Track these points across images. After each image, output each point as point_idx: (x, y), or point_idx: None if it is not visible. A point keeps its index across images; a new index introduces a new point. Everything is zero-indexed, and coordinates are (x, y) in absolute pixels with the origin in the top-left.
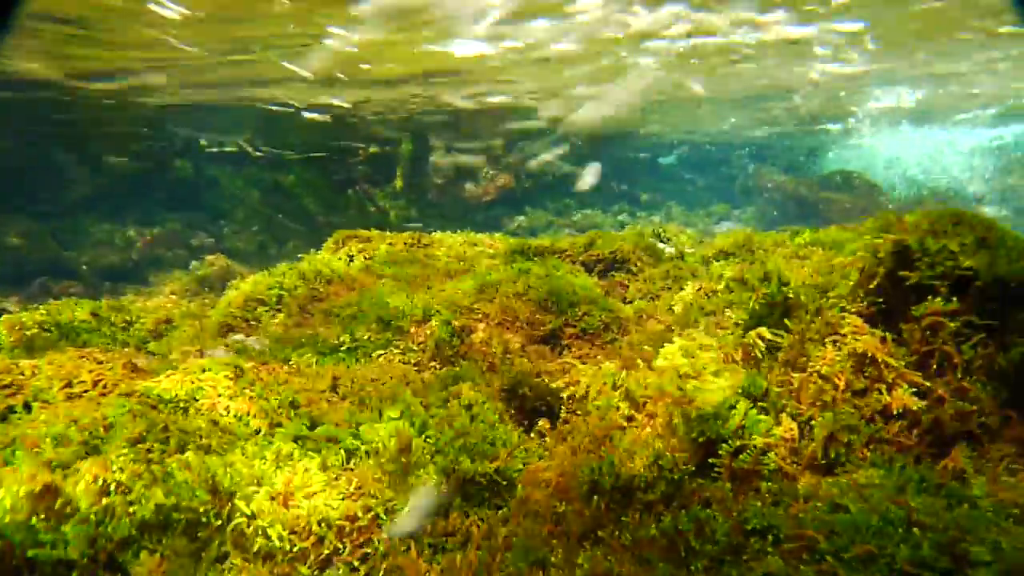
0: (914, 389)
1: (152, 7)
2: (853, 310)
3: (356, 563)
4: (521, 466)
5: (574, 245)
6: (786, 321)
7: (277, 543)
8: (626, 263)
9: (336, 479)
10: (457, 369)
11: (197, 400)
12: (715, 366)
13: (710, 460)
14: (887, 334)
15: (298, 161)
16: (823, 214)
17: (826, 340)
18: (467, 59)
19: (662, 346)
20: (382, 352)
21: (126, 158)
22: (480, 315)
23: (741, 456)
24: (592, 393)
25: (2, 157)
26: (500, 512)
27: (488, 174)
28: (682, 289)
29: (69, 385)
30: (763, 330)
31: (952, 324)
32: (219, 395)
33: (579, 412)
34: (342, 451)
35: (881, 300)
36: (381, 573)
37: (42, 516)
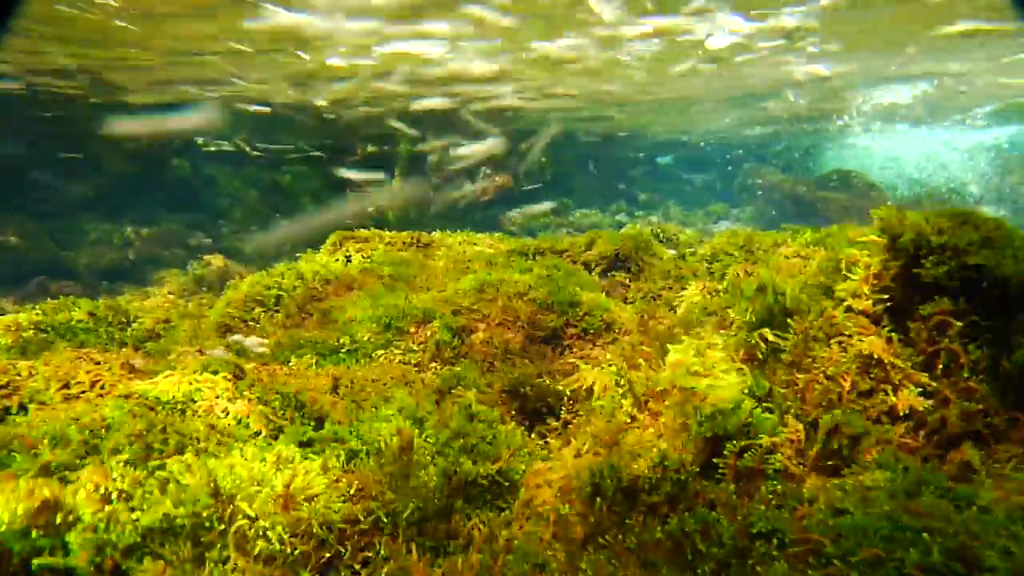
0: (920, 389)
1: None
2: (858, 308)
3: (357, 566)
4: (523, 467)
5: (574, 245)
6: (789, 321)
7: (278, 546)
8: (627, 263)
9: (337, 481)
10: (458, 369)
11: (195, 402)
12: (725, 365)
13: (715, 460)
14: (893, 334)
15: (296, 161)
16: (821, 213)
17: (831, 340)
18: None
19: (667, 346)
20: (382, 352)
21: (124, 158)
22: (480, 315)
23: (746, 455)
24: (596, 392)
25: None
26: (503, 515)
27: (486, 173)
28: (684, 289)
29: (66, 386)
30: (766, 331)
31: (959, 323)
32: (217, 397)
33: (582, 413)
34: (343, 453)
35: (887, 298)
36: None
37: (42, 530)
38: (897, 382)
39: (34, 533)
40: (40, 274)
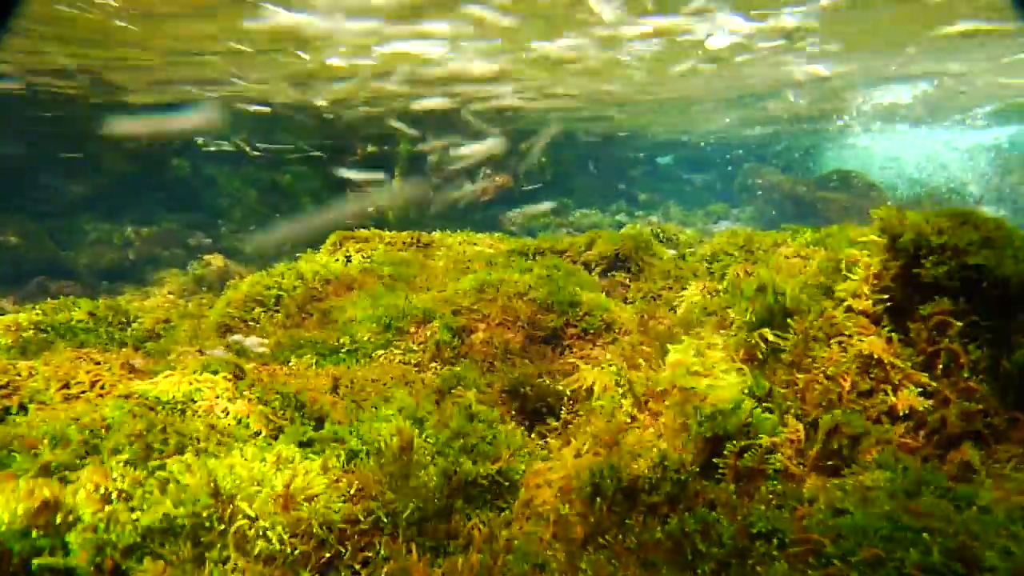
0: (920, 390)
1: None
2: (858, 308)
3: (357, 567)
4: (524, 467)
5: (574, 245)
6: (789, 321)
7: (278, 546)
8: (627, 263)
9: (337, 481)
10: (458, 369)
11: (195, 402)
12: (725, 365)
13: (715, 460)
14: (893, 334)
15: (295, 160)
16: (821, 213)
17: (831, 340)
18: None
19: (667, 346)
20: (382, 352)
21: (124, 158)
22: (480, 315)
23: (746, 455)
24: (597, 392)
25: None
26: (503, 515)
27: (486, 173)
28: (684, 289)
29: (66, 386)
30: (766, 331)
31: (958, 323)
32: (217, 397)
33: (582, 413)
34: (343, 453)
35: (887, 298)
36: None
37: (42, 530)
38: (897, 382)
39: (34, 533)
40: (40, 274)
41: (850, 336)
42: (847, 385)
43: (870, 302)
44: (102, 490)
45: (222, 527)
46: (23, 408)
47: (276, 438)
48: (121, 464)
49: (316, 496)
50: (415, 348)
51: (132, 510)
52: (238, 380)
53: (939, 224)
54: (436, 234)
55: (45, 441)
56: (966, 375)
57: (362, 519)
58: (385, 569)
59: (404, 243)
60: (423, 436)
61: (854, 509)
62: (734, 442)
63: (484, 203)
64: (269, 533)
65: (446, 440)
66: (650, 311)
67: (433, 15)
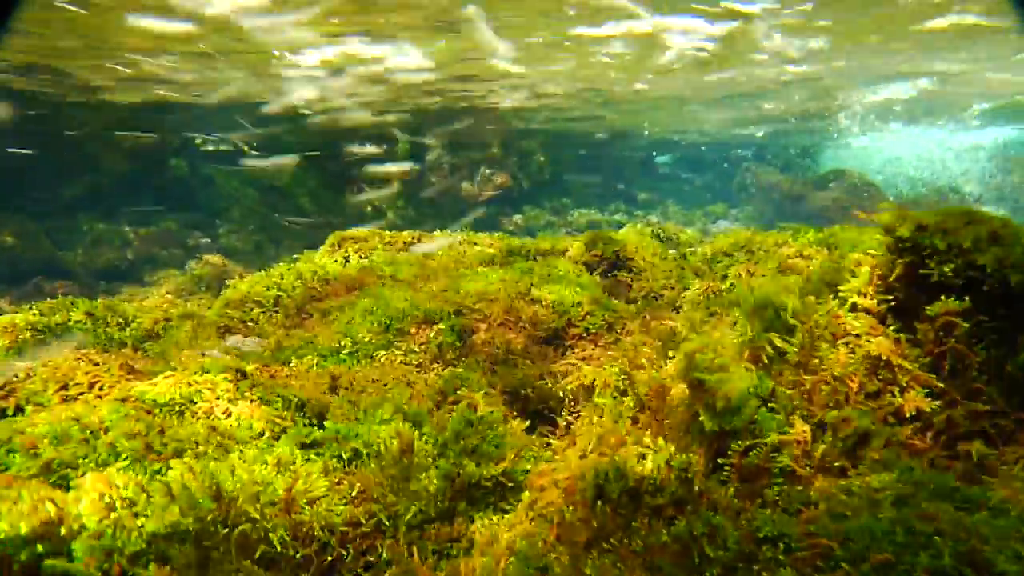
0: (928, 390)
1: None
2: (863, 306)
3: (360, 570)
4: (528, 467)
5: (576, 244)
6: (794, 322)
7: (280, 549)
8: (628, 262)
9: (338, 483)
10: (460, 370)
11: (195, 403)
12: (733, 363)
13: (720, 460)
14: (901, 335)
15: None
16: (820, 213)
17: (838, 341)
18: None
19: (677, 341)
20: (383, 353)
21: (122, 158)
22: (482, 315)
23: (751, 454)
24: (598, 390)
25: None
26: (506, 517)
27: (485, 173)
28: (686, 289)
29: (64, 387)
30: (774, 336)
31: (965, 324)
32: (218, 398)
33: (584, 413)
34: (344, 455)
35: (891, 298)
36: None
37: (48, 542)
38: (905, 384)
39: (40, 547)
40: (37, 274)
41: (858, 336)
42: (855, 386)
43: (874, 301)
44: (106, 498)
45: (225, 531)
46: (20, 410)
47: (277, 440)
48: (122, 470)
49: (318, 499)
50: (416, 349)
51: (136, 516)
52: (239, 381)
53: (945, 222)
54: (436, 234)
55: (46, 441)
56: (974, 375)
57: (364, 522)
58: (387, 573)
59: (404, 243)
60: (424, 438)
61: (862, 512)
62: (739, 441)
63: (483, 203)
64: (271, 536)
65: (448, 442)
66: (652, 311)
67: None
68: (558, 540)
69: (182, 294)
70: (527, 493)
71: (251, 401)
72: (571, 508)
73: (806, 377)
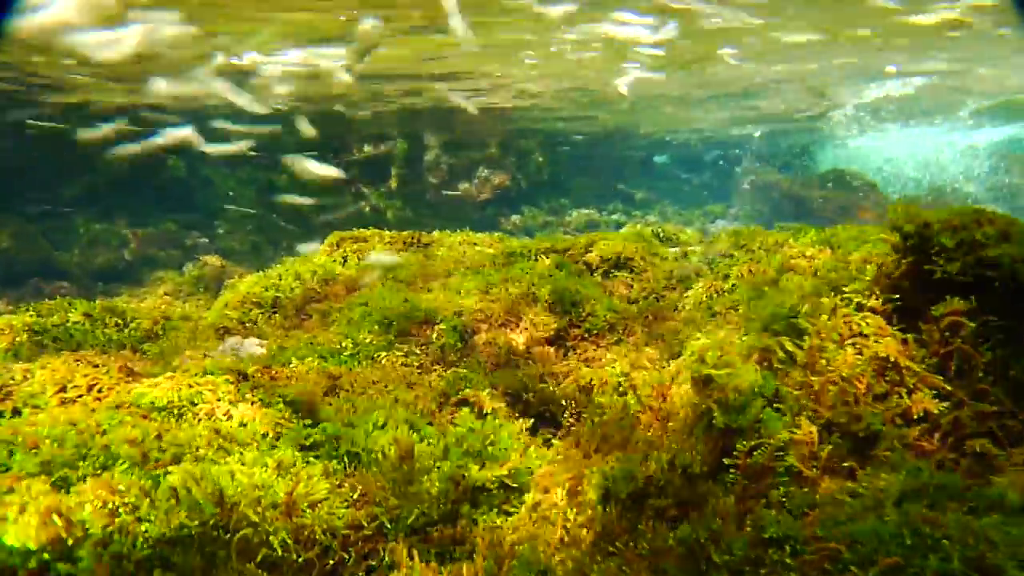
0: (935, 392)
1: None
2: (869, 306)
3: (362, 574)
4: (532, 467)
5: (576, 245)
6: (803, 323)
7: (281, 553)
8: (629, 263)
9: (340, 486)
10: (463, 372)
11: (196, 405)
12: (740, 360)
13: (725, 460)
14: (908, 335)
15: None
16: (819, 213)
17: (846, 342)
18: None
19: (675, 345)
20: (384, 355)
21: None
22: (483, 316)
23: (756, 453)
24: (599, 389)
25: None
26: (509, 520)
27: (483, 173)
28: (688, 289)
29: (63, 390)
30: (785, 340)
31: (971, 324)
32: (219, 400)
33: (586, 415)
34: (346, 457)
35: (897, 297)
36: None
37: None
38: (912, 385)
39: (46, 555)
40: (34, 275)
41: (865, 337)
42: (863, 387)
43: (880, 300)
44: (109, 503)
45: (227, 536)
46: (17, 412)
47: (277, 442)
48: (123, 475)
49: (319, 502)
50: (417, 350)
51: (140, 521)
52: (240, 383)
53: (953, 220)
54: (436, 234)
55: (45, 443)
56: (980, 376)
57: (366, 525)
58: None
59: (404, 243)
60: (425, 441)
61: (870, 514)
62: (744, 441)
63: (481, 203)
64: (272, 540)
65: (451, 445)
66: (654, 311)
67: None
68: (562, 543)
69: (180, 295)
70: (530, 495)
71: (252, 403)
72: (573, 510)
73: (813, 378)
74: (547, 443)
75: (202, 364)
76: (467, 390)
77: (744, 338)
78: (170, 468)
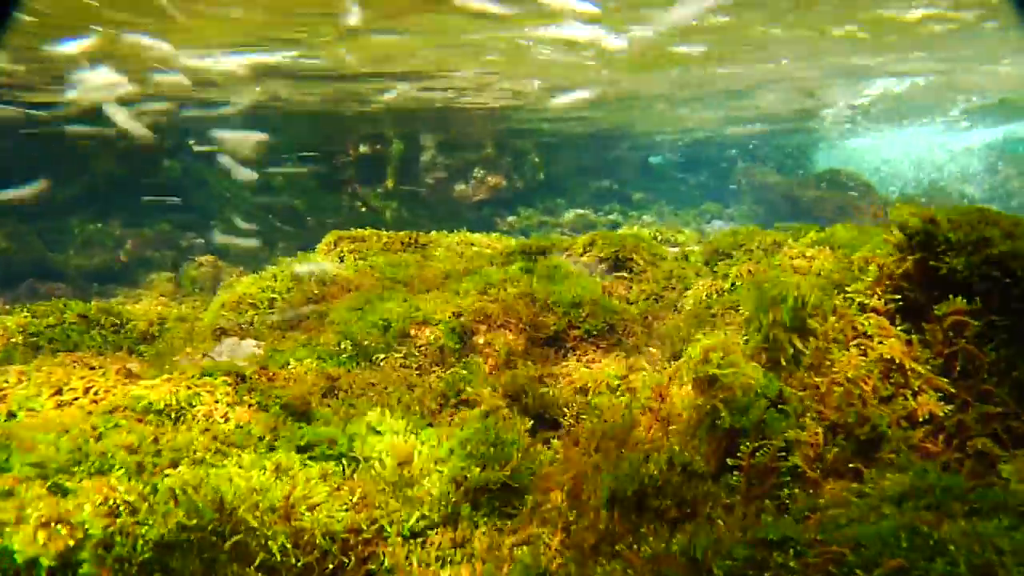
0: (940, 394)
1: None
2: (872, 306)
3: None
4: (534, 464)
5: (575, 245)
6: (811, 323)
7: (280, 557)
8: (628, 263)
9: (338, 489)
10: (461, 372)
11: (193, 406)
12: (744, 360)
13: (728, 461)
14: (913, 336)
15: (287, 161)
16: (815, 213)
17: (850, 343)
18: None
19: (676, 345)
20: (383, 356)
21: (113, 159)
22: (482, 316)
23: (758, 454)
24: (598, 389)
25: None
26: (511, 522)
27: (479, 174)
28: (687, 289)
29: (59, 393)
30: (795, 337)
31: (976, 323)
32: (216, 402)
33: (585, 415)
34: (344, 460)
35: (899, 298)
36: None
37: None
38: (917, 387)
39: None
40: (29, 276)
41: (870, 338)
42: (868, 389)
43: (882, 301)
44: (109, 503)
45: (226, 541)
46: (12, 416)
47: (276, 444)
48: (124, 478)
49: (318, 505)
50: (416, 352)
51: (139, 524)
52: (238, 384)
53: (958, 219)
54: (433, 234)
55: (42, 447)
56: (985, 376)
57: (365, 528)
58: None
59: (402, 243)
60: (427, 444)
61: (874, 516)
62: (748, 442)
63: (477, 203)
64: (271, 545)
65: (456, 446)
66: (654, 312)
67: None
68: (562, 545)
69: (176, 296)
70: (532, 496)
71: (249, 405)
72: (574, 512)
73: (818, 379)
74: (547, 444)
75: (200, 366)
76: (468, 390)
77: (746, 339)
78: (168, 471)
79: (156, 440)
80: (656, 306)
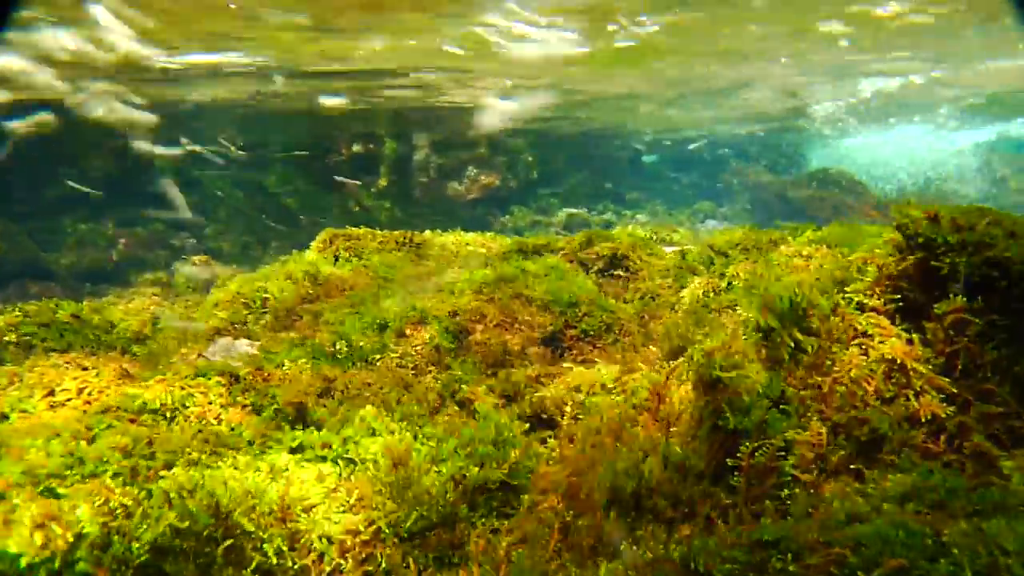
0: (942, 396)
1: None
2: (871, 306)
3: None
4: (531, 463)
5: (571, 244)
6: (815, 322)
7: (276, 560)
8: (624, 261)
9: (335, 491)
10: (458, 372)
11: (187, 407)
12: (748, 362)
13: (728, 462)
14: (914, 335)
15: (280, 161)
16: (808, 212)
17: (851, 343)
18: None
19: (674, 343)
20: (378, 356)
21: (107, 159)
22: (478, 315)
23: (757, 454)
24: (584, 393)
25: None
26: (507, 523)
27: (472, 173)
28: (682, 288)
29: (52, 394)
30: (796, 332)
31: (977, 322)
32: (210, 403)
33: (582, 415)
34: (341, 461)
35: (898, 297)
36: None
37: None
38: (919, 387)
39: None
40: (20, 276)
41: (870, 337)
42: (871, 389)
43: (882, 300)
44: (105, 505)
45: (221, 545)
46: (4, 417)
47: (270, 446)
48: (115, 479)
49: (314, 506)
50: (412, 352)
51: (135, 527)
52: (232, 385)
53: (959, 218)
54: (427, 233)
55: (31, 452)
56: (987, 375)
57: (362, 529)
58: None
59: (396, 242)
60: (425, 445)
61: (876, 516)
62: (747, 443)
63: (470, 202)
64: (266, 547)
65: (450, 448)
66: (651, 311)
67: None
68: (560, 545)
69: (169, 296)
70: (528, 496)
71: (243, 406)
72: (570, 513)
73: (819, 379)
74: (543, 443)
75: (194, 365)
76: (464, 389)
77: (745, 337)
78: (163, 473)
79: (150, 442)
80: (652, 305)
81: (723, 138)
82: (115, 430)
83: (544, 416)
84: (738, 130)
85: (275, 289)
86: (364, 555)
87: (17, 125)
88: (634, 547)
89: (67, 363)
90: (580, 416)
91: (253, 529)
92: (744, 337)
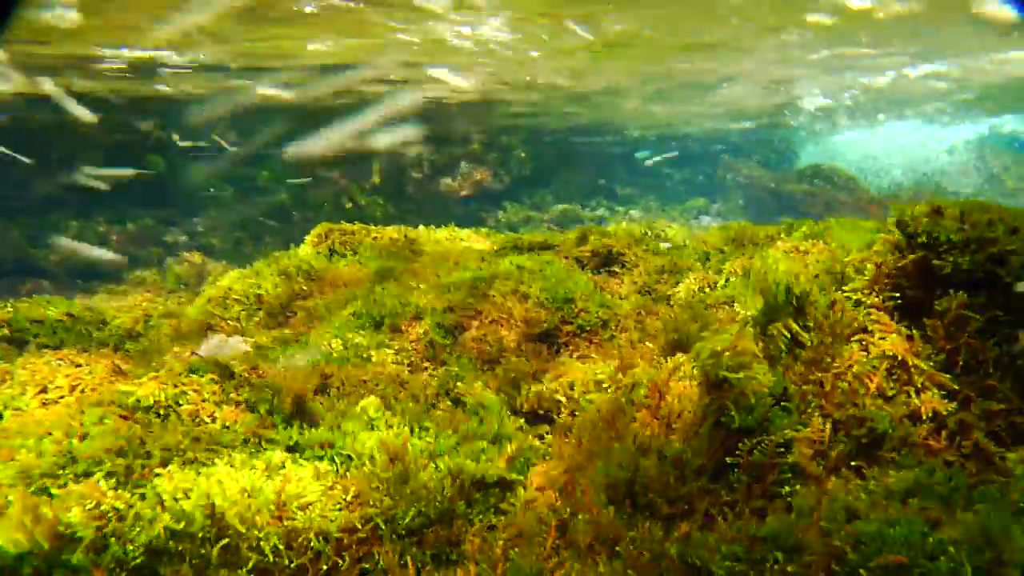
0: (944, 392)
1: None
2: (870, 303)
3: None
4: (528, 458)
5: (566, 240)
6: (814, 318)
7: (272, 559)
8: (620, 257)
9: (331, 488)
10: (454, 369)
11: (180, 405)
12: (755, 362)
13: (728, 459)
14: (915, 332)
15: (273, 157)
16: (801, 208)
17: (852, 339)
18: None
19: (672, 339)
20: (373, 352)
21: (98, 155)
22: (473, 312)
23: (756, 452)
24: (578, 391)
25: None
26: (505, 519)
27: (465, 169)
28: (677, 284)
29: (44, 391)
30: (792, 323)
31: (978, 318)
32: (204, 400)
33: (579, 411)
34: (337, 458)
35: (898, 295)
36: None
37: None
38: (920, 384)
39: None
40: (10, 273)
41: (871, 334)
42: (872, 386)
43: (881, 297)
44: (97, 508)
45: (215, 545)
46: None
47: (265, 443)
48: (108, 479)
49: (310, 504)
50: (407, 348)
51: (130, 528)
52: (225, 382)
53: (961, 215)
54: (421, 229)
55: (22, 453)
56: (988, 371)
57: (360, 527)
58: None
59: (391, 238)
60: (424, 439)
61: (877, 514)
62: (746, 441)
63: (463, 198)
64: (263, 546)
65: (454, 443)
66: (647, 307)
67: None
68: (557, 542)
69: (161, 292)
70: (525, 491)
71: (237, 403)
72: (568, 510)
73: (820, 375)
74: (540, 439)
75: (187, 362)
76: (460, 386)
77: (746, 336)
78: (158, 471)
79: (143, 442)
80: (648, 300)
81: (714, 135)
82: (108, 428)
83: (541, 412)
84: (731, 125)
85: (268, 285)
86: (361, 553)
87: None
88: (630, 546)
89: (60, 360)
90: (577, 412)
91: (245, 530)
92: (743, 332)
